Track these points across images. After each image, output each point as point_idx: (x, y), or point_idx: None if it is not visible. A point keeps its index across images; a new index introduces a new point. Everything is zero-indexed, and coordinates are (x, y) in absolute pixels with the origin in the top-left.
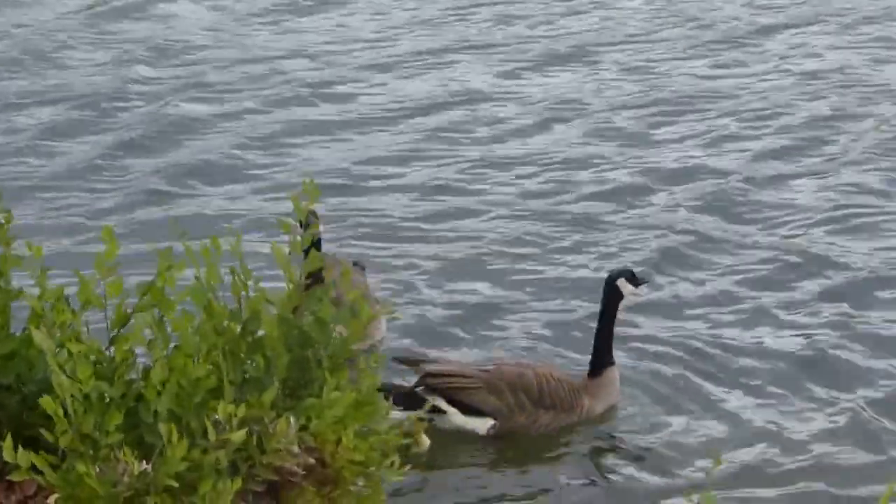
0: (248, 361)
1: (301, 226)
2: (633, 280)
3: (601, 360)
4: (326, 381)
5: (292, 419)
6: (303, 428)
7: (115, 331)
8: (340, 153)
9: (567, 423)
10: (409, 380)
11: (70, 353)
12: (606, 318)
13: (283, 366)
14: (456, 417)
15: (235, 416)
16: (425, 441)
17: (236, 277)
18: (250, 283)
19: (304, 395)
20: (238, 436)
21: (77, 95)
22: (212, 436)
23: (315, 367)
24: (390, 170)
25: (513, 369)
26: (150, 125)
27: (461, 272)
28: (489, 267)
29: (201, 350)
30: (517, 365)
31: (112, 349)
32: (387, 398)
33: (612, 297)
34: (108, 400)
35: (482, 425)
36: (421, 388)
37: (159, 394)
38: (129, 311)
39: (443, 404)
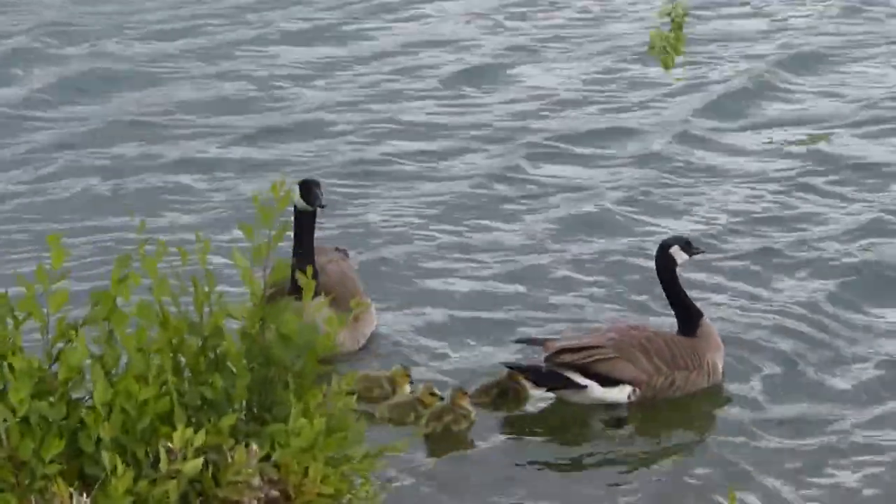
0: (207, 382)
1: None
2: (688, 248)
3: (690, 316)
4: (292, 406)
5: (254, 447)
6: (266, 457)
7: (58, 346)
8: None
9: (697, 383)
10: (529, 357)
11: (11, 368)
12: (670, 284)
13: (244, 387)
14: (595, 391)
15: (191, 443)
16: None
17: (198, 289)
18: (215, 293)
19: (268, 419)
20: (191, 466)
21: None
22: (163, 465)
23: (280, 389)
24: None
25: (639, 333)
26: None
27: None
28: (487, 262)
29: (152, 369)
30: (631, 328)
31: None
32: (527, 378)
33: (666, 265)
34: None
35: (621, 394)
36: (556, 364)
37: (104, 418)
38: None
39: (581, 379)
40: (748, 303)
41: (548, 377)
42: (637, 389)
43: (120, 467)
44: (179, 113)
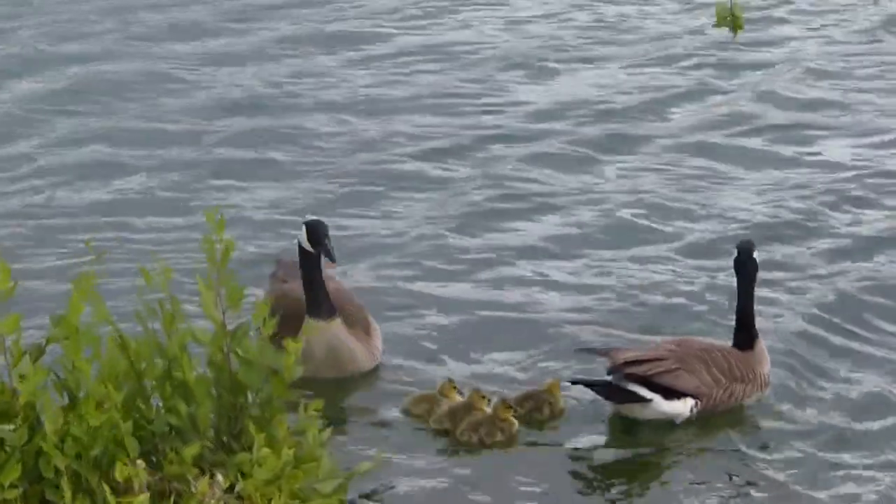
0: (172, 409)
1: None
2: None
3: (751, 332)
4: (255, 435)
5: (219, 477)
6: (231, 488)
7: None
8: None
9: (751, 395)
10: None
11: None
12: (749, 290)
13: (206, 415)
14: (660, 404)
15: (136, 477)
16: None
17: (164, 312)
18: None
19: (235, 448)
20: (141, 501)
21: None
22: (110, 500)
23: (246, 418)
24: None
25: (698, 344)
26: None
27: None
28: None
29: (110, 395)
30: (684, 341)
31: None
32: (598, 393)
33: (751, 268)
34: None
35: (684, 407)
36: (623, 377)
37: (57, 445)
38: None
39: (646, 392)
40: (764, 308)
41: (616, 392)
42: (699, 402)
43: (68, 495)
44: (164, 118)
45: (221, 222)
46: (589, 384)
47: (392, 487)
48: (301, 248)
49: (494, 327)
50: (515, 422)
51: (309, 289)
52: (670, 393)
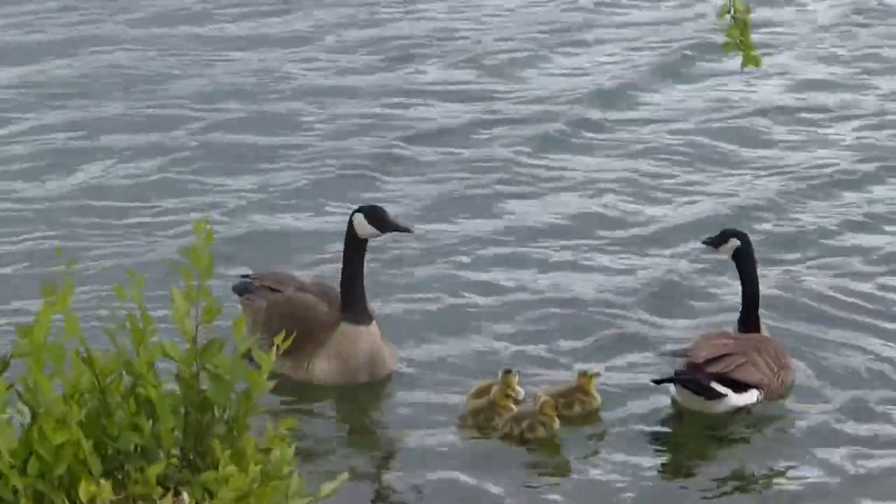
0: (137, 426)
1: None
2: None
3: (756, 311)
4: (220, 453)
5: (185, 496)
6: None
7: None
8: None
9: (790, 380)
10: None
11: None
12: (750, 276)
13: (169, 432)
14: (732, 398)
15: (99, 496)
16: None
17: (135, 325)
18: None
19: (202, 466)
20: None
21: None
22: None
23: (213, 436)
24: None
25: (752, 335)
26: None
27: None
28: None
29: (73, 412)
30: (724, 332)
31: None
32: (690, 389)
33: (749, 252)
34: None
35: (751, 399)
36: (706, 375)
37: (15, 466)
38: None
39: (721, 388)
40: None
41: (704, 389)
42: (762, 392)
43: None
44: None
45: (209, 235)
46: (675, 381)
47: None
48: (351, 240)
49: (509, 312)
50: (557, 420)
51: (351, 287)
52: (739, 386)
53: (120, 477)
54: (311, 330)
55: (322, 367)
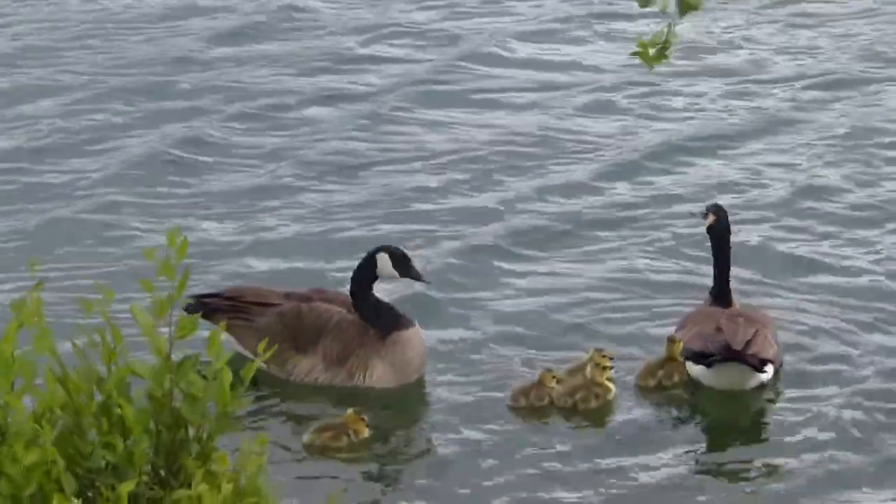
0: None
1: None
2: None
3: (728, 290)
4: (195, 471)
5: None
6: None
7: None
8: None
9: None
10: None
11: None
12: (723, 252)
13: (142, 451)
14: (760, 375)
15: None
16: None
17: (105, 342)
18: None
19: (174, 484)
20: None
21: None
22: None
23: (185, 453)
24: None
25: (751, 312)
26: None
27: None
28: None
29: (45, 430)
30: (716, 310)
31: None
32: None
33: (724, 230)
34: None
35: (769, 373)
36: (752, 357)
37: None
38: None
39: (763, 366)
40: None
41: (754, 367)
42: (774, 366)
43: None
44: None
45: (184, 246)
46: (733, 360)
47: None
48: (366, 274)
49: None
50: (612, 388)
51: (375, 306)
52: (763, 362)
53: (90, 495)
54: (352, 337)
55: (379, 374)
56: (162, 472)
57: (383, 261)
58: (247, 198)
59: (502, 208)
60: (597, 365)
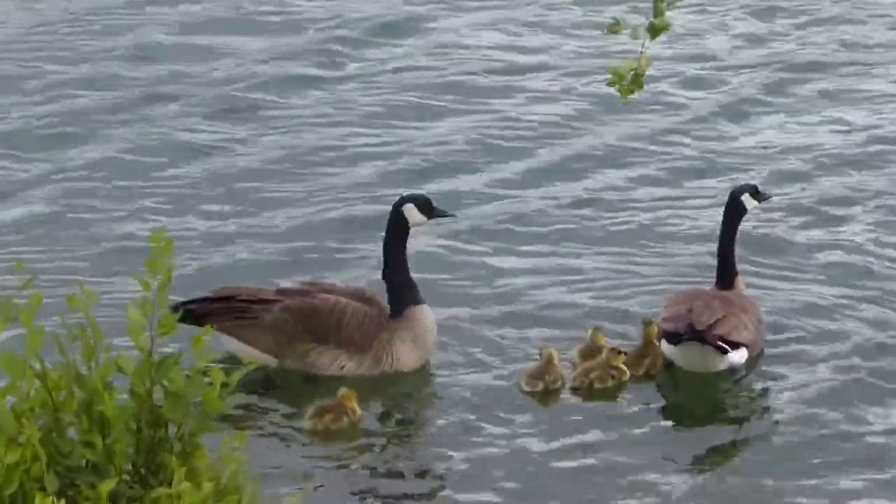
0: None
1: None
2: (757, 195)
3: (730, 269)
4: (175, 469)
5: None
6: None
7: None
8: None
9: (763, 337)
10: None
11: None
12: (730, 233)
13: (123, 450)
14: (731, 356)
15: None
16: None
17: (86, 339)
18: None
19: (154, 482)
20: None
21: None
22: None
23: (166, 452)
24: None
25: (732, 295)
26: None
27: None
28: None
29: (26, 429)
30: (702, 291)
31: None
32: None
33: (736, 211)
34: None
35: (742, 357)
36: (715, 336)
37: None
38: None
39: (727, 347)
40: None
41: (716, 347)
42: (749, 350)
43: None
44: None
45: (168, 246)
46: (693, 340)
47: None
48: (398, 229)
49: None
50: (627, 371)
51: (401, 273)
52: (733, 344)
53: (71, 494)
54: (371, 324)
55: (405, 355)
56: (142, 471)
57: (410, 211)
58: (221, 189)
59: (490, 192)
60: (611, 350)
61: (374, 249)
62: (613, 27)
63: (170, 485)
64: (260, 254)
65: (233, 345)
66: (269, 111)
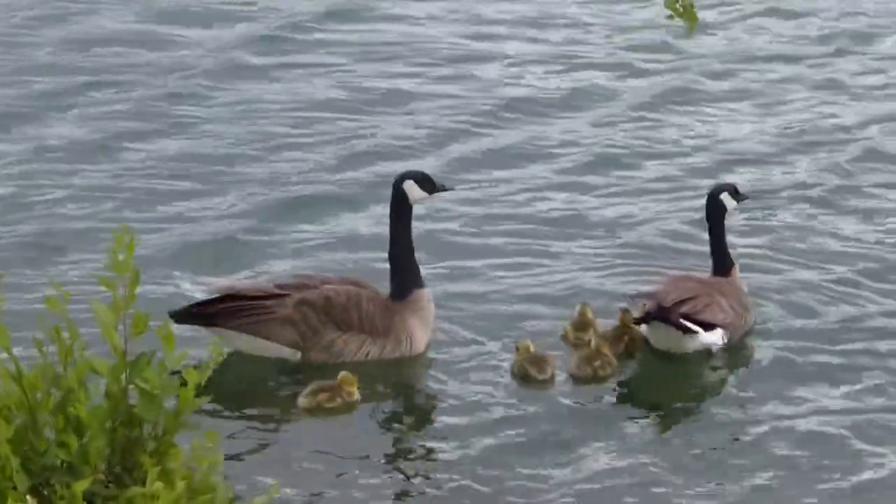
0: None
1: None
2: (736, 195)
3: (726, 263)
4: (149, 468)
5: None
6: None
7: None
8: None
9: (750, 322)
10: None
11: None
12: (716, 231)
13: (97, 450)
14: (703, 336)
15: None
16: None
17: (60, 340)
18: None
19: (128, 481)
20: None
21: None
22: None
23: (140, 451)
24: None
25: (716, 279)
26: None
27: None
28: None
29: None
30: (689, 276)
31: None
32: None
33: (717, 211)
34: None
35: (717, 338)
36: (678, 314)
37: None
38: None
39: (693, 326)
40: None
41: (677, 326)
42: (727, 332)
43: None
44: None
45: (131, 245)
46: (654, 320)
47: None
48: (400, 208)
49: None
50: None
51: (407, 255)
52: (707, 326)
53: (45, 493)
54: (384, 308)
55: (419, 336)
56: (117, 470)
57: (411, 187)
58: (162, 173)
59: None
60: (599, 337)
61: (312, 231)
62: None
63: (144, 484)
64: (192, 238)
65: (249, 343)
66: (214, 98)
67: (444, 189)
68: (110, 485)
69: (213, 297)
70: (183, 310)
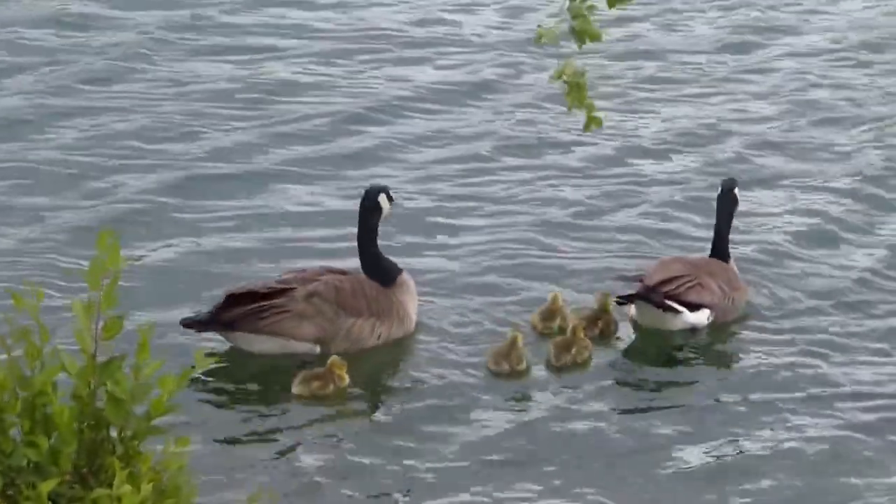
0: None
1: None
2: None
3: (725, 247)
4: (117, 470)
5: None
6: None
7: None
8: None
9: (742, 301)
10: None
11: None
12: (726, 220)
13: (68, 454)
14: (687, 316)
15: None
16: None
17: (29, 340)
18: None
19: (94, 483)
20: None
21: None
22: None
23: (107, 453)
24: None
25: (700, 259)
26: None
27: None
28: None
29: None
30: (679, 258)
31: None
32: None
33: (729, 203)
34: None
35: (703, 318)
36: (660, 294)
37: None
38: None
39: (677, 306)
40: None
41: (659, 305)
42: (713, 312)
43: None
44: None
45: (115, 246)
46: (638, 300)
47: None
48: (371, 218)
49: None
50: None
51: (377, 253)
52: (692, 306)
53: (10, 493)
54: (381, 292)
55: (412, 315)
56: (84, 471)
57: (384, 200)
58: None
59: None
60: (576, 324)
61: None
62: (538, 38)
63: (111, 486)
64: (109, 214)
65: (269, 344)
66: (135, 78)
67: (399, 204)
68: (76, 486)
69: (221, 302)
70: (202, 317)
